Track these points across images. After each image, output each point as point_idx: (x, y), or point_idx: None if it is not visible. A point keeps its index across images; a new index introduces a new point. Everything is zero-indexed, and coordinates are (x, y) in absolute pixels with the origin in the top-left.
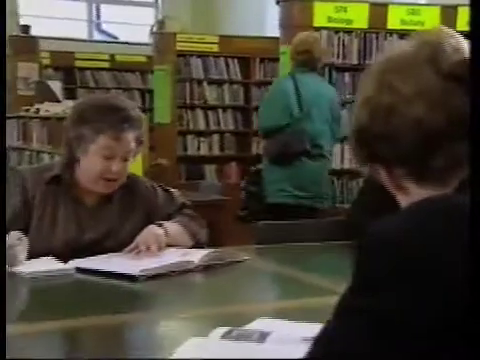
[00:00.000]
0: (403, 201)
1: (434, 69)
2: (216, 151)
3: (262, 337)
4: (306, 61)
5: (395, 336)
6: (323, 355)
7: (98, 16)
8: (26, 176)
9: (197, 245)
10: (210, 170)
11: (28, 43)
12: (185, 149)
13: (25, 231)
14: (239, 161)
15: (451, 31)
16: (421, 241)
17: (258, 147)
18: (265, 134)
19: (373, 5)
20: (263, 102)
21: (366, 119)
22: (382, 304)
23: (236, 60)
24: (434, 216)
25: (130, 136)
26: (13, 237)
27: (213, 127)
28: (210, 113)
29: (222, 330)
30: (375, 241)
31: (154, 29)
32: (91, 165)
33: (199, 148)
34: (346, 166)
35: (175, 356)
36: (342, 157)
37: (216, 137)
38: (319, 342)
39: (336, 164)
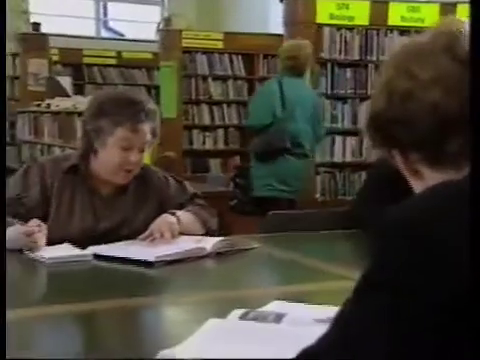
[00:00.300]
0: (417, 186)
1: (450, 56)
2: (221, 145)
3: (278, 318)
4: (293, 66)
5: (412, 313)
6: (340, 337)
7: (105, 14)
8: (45, 166)
9: (208, 233)
10: (215, 164)
11: (38, 40)
12: (191, 143)
13: (44, 219)
14: (243, 155)
15: (466, 20)
16: (432, 222)
17: None
18: (254, 133)
19: (374, 2)
20: (251, 102)
21: (384, 104)
22: (397, 283)
23: (240, 56)
24: (447, 200)
25: (146, 128)
26: (33, 224)
27: (218, 122)
28: (215, 108)
29: (239, 312)
30: (391, 222)
31: (160, 26)
32: (110, 157)
33: (204, 142)
34: (348, 159)
35: (196, 336)
36: (344, 150)
37: (221, 131)
38: (336, 325)
39: (338, 157)
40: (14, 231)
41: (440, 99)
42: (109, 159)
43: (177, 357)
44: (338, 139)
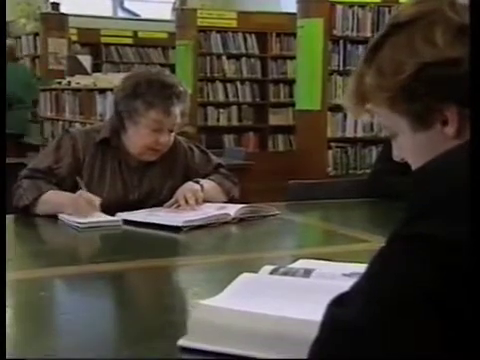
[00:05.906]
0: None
1: None
2: (234, 121)
3: (307, 273)
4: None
5: (451, 263)
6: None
7: None
8: (77, 137)
9: (231, 201)
10: (229, 139)
11: (58, 20)
12: (205, 120)
13: (75, 188)
14: (256, 131)
15: None
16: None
17: (274, 118)
18: None
19: None
20: None
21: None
22: (433, 230)
23: (254, 35)
24: None
25: (177, 110)
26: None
27: (232, 99)
28: (229, 86)
29: (269, 268)
30: (426, 172)
31: (176, 6)
32: (139, 136)
33: (219, 119)
34: (359, 135)
35: (231, 287)
36: (355, 126)
37: (234, 108)
38: (375, 273)
39: (350, 133)
40: (63, 197)
41: None
42: (138, 138)
43: (213, 305)
44: (350, 115)
